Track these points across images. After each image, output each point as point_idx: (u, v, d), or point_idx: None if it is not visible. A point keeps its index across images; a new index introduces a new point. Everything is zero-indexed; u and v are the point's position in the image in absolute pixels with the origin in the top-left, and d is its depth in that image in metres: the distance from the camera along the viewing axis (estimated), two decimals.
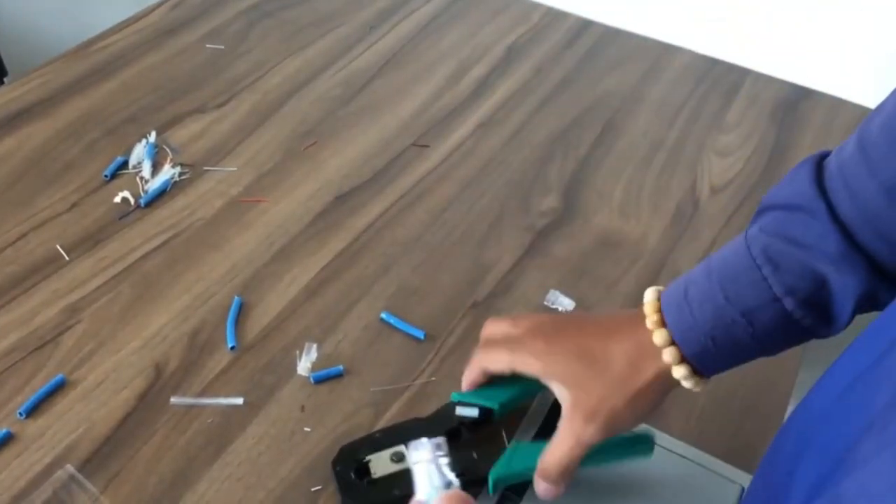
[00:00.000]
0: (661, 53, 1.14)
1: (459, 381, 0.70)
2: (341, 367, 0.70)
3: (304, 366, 0.70)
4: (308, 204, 0.85)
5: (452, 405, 0.61)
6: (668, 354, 0.53)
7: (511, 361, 0.57)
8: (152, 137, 0.91)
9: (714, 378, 0.72)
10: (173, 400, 0.66)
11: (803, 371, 0.76)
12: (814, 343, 0.82)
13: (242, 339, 0.72)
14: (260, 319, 0.73)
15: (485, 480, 0.58)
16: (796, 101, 1.07)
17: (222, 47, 1.06)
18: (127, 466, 0.62)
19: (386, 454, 0.60)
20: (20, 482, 0.60)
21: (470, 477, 0.57)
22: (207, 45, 1.06)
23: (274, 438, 0.65)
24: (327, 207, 0.85)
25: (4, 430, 0.63)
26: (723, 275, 0.52)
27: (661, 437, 0.67)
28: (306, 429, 0.66)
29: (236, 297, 0.74)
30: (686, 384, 0.54)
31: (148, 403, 0.66)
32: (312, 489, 0.62)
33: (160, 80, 1.00)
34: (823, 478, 0.32)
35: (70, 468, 0.60)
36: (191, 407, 0.66)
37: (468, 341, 0.73)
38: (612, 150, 0.97)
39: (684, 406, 0.70)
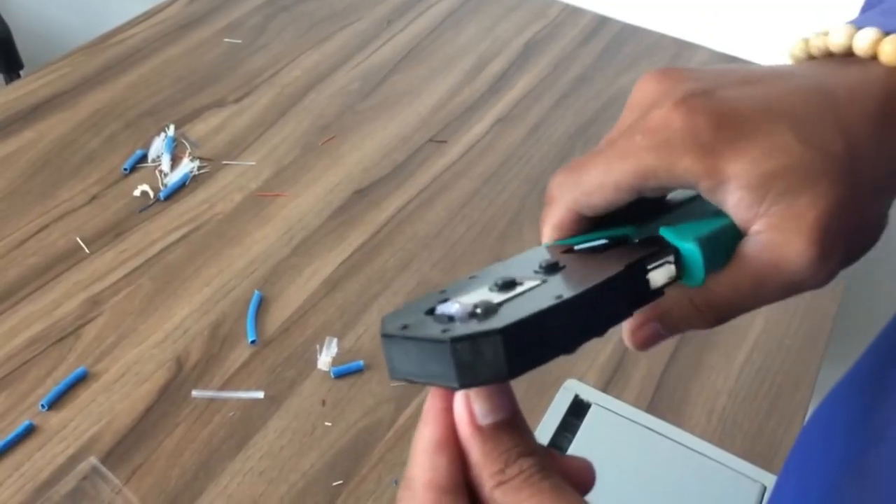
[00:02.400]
0: (678, 51, 1.14)
1: None
2: (361, 363, 0.70)
3: (324, 360, 0.70)
4: (327, 198, 0.85)
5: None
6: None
7: (656, 164, 0.30)
8: (171, 131, 0.91)
9: (736, 376, 0.72)
10: (195, 393, 0.66)
11: (825, 370, 0.75)
12: (836, 342, 0.82)
13: (263, 332, 0.72)
14: (280, 313, 0.73)
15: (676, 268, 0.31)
16: None
17: (240, 41, 1.06)
18: (149, 459, 0.62)
19: (481, 290, 0.29)
20: (43, 473, 0.60)
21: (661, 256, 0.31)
22: (225, 39, 1.06)
23: (295, 432, 0.65)
24: (346, 202, 0.85)
25: (27, 422, 0.63)
26: None
27: (682, 436, 0.67)
28: (327, 423, 0.66)
29: (256, 291, 0.74)
30: None
31: (169, 396, 0.66)
32: (334, 483, 0.62)
33: (179, 73, 1.00)
34: (852, 453, 0.32)
35: (93, 460, 0.60)
36: (212, 400, 0.66)
37: None
38: None
39: (706, 405, 0.70)
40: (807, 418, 0.70)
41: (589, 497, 0.52)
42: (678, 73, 0.31)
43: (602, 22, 1.18)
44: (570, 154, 0.94)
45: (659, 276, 0.30)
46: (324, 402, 0.67)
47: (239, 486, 0.61)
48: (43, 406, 0.64)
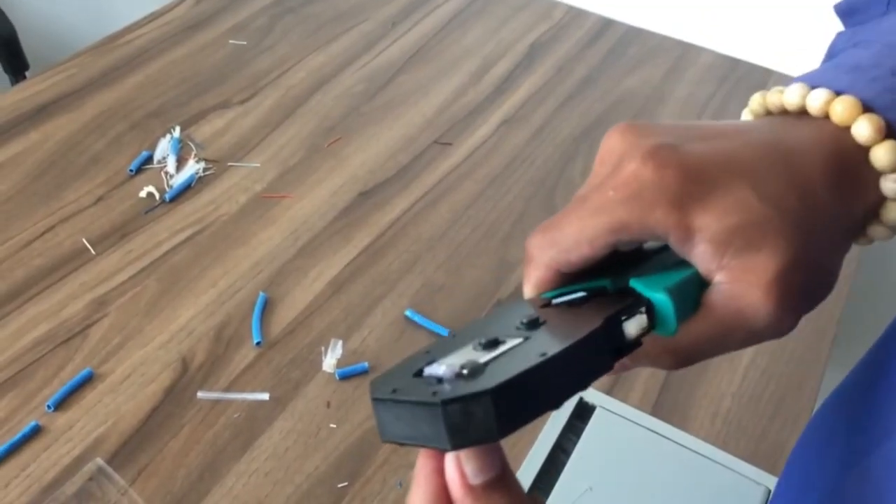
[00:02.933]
0: (682, 53, 1.14)
1: None
2: (366, 364, 0.70)
3: (329, 362, 0.70)
4: (332, 200, 0.86)
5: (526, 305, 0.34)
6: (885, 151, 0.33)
7: (628, 217, 0.31)
8: (177, 132, 0.91)
9: (741, 379, 0.72)
10: (200, 394, 0.67)
11: (829, 373, 0.75)
12: (840, 345, 0.82)
13: (268, 334, 0.72)
14: (285, 315, 0.74)
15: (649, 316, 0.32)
16: None
17: (245, 43, 1.07)
18: (155, 459, 0.62)
19: (466, 350, 0.29)
20: (49, 474, 0.61)
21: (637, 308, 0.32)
22: (231, 41, 1.07)
23: (300, 434, 0.65)
24: (351, 204, 0.85)
25: (33, 423, 0.63)
26: None
27: (686, 439, 0.67)
28: (332, 425, 0.66)
29: (261, 293, 0.75)
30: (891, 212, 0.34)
31: (175, 397, 0.67)
32: (339, 485, 0.62)
33: (184, 75, 1.00)
34: (855, 454, 0.33)
35: (99, 461, 0.61)
36: (217, 401, 0.66)
37: None
38: None
39: (710, 408, 0.70)
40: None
41: (594, 499, 0.53)
42: (643, 128, 0.32)
43: (607, 24, 1.18)
44: (574, 155, 0.94)
45: (633, 327, 0.31)
46: (329, 404, 0.67)
47: (244, 488, 0.61)
48: (49, 407, 0.65)
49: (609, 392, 0.70)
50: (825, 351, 0.75)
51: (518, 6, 1.19)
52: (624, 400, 0.69)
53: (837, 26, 0.43)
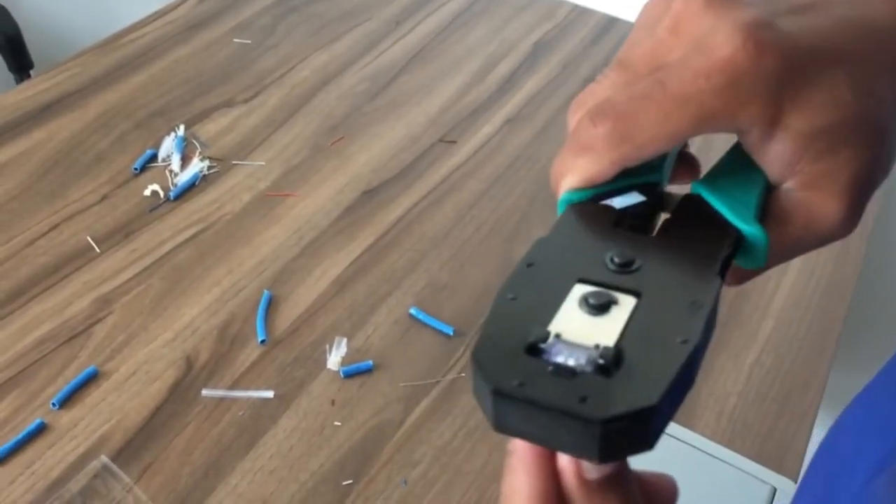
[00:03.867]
0: None
1: None
2: (371, 362, 0.70)
3: (333, 360, 0.70)
4: (336, 198, 0.85)
5: (582, 204, 0.30)
6: None
7: (720, 110, 0.27)
8: (181, 131, 0.91)
9: (746, 378, 0.72)
10: (205, 392, 0.67)
11: (835, 372, 0.75)
12: (846, 344, 0.82)
13: (272, 332, 0.72)
14: (289, 313, 0.74)
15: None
16: None
17: (249, 42, 1.07)
18: (160, 457, 0.62)
19: (571, 307, 0.26)
20: (54, 472, 0.61)
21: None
22: (235, 40, 1.07)
23: (305, 432, 0.65)
24: (355, 202, 0.85)
25: (38, 421, 0.63)
26: None
27: (692, 437, 0.66)
28: (336, 423, 0.66)
29: (266, 291, 0.75)
30: None
31: (179, 395, 0.66)
32: (343, 483, 0.62)
33: (188, 73, 1.00)
34: (885, 456, 0.32)
35: (104, 458, 0.61)
36: (222, 399, 0.66)
37: None
38: None
39: (715, 406, 0.70)
40: (817, 418, 0.69)
41: None
42: None
43: (611, 22, 1.18)
44: None
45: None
46: (333, 402, 0.67)
47: (249, 485, 0.61)
48: (54, 405, 0.65)
49: None
50: (830, 350, 0.75)
51: (521, 5, 1.19)
52: None
53: None
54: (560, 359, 0.23)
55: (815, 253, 0.82)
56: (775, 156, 0.27)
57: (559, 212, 0.30)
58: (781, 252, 0.29)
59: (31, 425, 0.63)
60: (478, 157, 0.93)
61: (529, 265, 0.27)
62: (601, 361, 0.23)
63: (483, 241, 0.82)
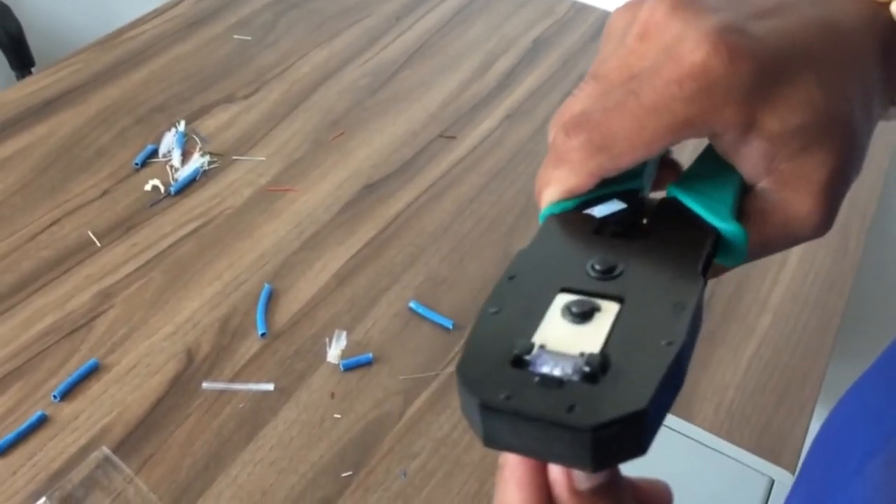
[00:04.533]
0: None
1: None
2: (370, 355, 0.70)
3: (333, 353, 0.70)
4: (336, 193, 0.86)
5: (562, 215, 0.30)
6: None
7: (694, 117, 0.27)
8: (181, 126, 0.91)
9: (744, 370, 0.72)
10: (205, 385, 0.67)
11: (833, 366, 0.75)
12: (844, 337, 0.82)
13: (272, 325, 0.72)
14: (290, 307, 0.74)
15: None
16: None
17: (250, 38, 1.07)
18: (161, 449, 0.62)
19: (554, 317, 0.26)
20: (55, 463, 0.61)
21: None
22: (235, 36, 1.07)
23: (304, 424, 0.65)
24: (356, 197, 0.86)
25: (40, 413, 0.64)
26: None
27: (690, 430, 0.67)
28: (336, 415, 0.66)
29: (266, 285, 0.75)
30: None
31: (180, 388, 0.67)
32: (343, 475, 0.62)
33: (189, 69, 1.01)
34: (879, 441, 0.33)
35: (105, 450, 0.61)
36: (222, 392, 0.67)
37: None
38: None
39: (714, 399, 0.70)
40: (815, 411, 0.70)
41: None
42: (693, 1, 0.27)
43: None
44: None
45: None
46: (333, 395, 0.67)
47: (249, 477, 0.61)
48: (55, 397, 0.65)
49: None
50: (829, 343, 0.75)
51: (521, 1, 1.19)
52: None
53: None
54: (546, 369, 0.23)
55: (813, 247, 0.83)
56: (750, 157, 0.27)
57: (540, 223, 0.30)
58: (757, 250, 0.29)
59: (32, 417, 0.63)
60: (477, 152, 0.93)
61: (511, 278, 0.27)
62: (587, 369, 0.23)
63: (482, 236, 0.83)
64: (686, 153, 0.32)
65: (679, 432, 0.66)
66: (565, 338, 0.24)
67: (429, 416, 0.67)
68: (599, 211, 0.29)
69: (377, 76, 1.03)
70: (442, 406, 0.67)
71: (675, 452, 0.65)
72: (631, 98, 0.26)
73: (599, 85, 0.29)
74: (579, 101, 0.29)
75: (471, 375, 0.24)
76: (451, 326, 0.73)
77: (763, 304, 0.78)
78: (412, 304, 0.74)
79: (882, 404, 0.37)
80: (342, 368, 0.69)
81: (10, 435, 0.62)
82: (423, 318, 0.74)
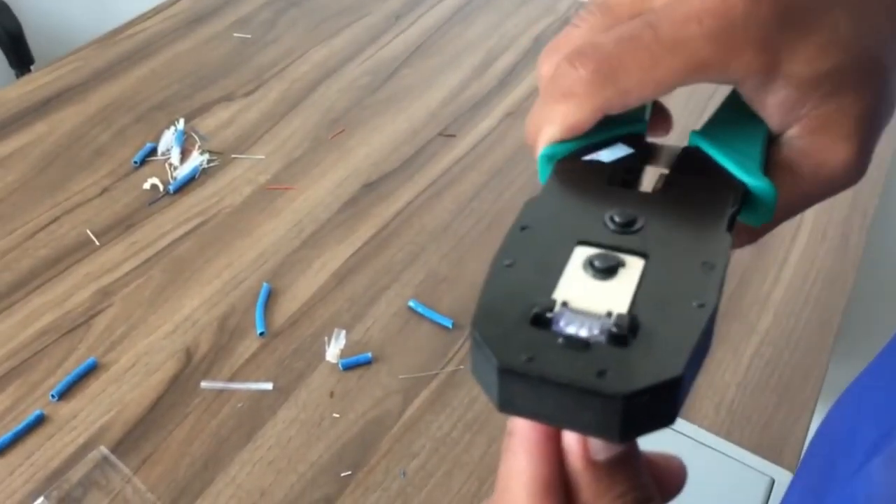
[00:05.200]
0: None
1: None
2: (370, 354, 0.70)
3: (332, 352, 0.70)
4: (336, 192, 0.86)
5: (567, 159, 0.29)
6: None
7: (711, 57, 0.25)
8: (181, 125, 0.91)
9: (745, 369, 0.72)
10: (204, 384, 0.67)
11: (834, 364, 0.75)
12: (845, 336, 0.82)
13: (271, 324, 0.72)
14: (289, 305, 0.74)
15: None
16: None
17: (249, 36, 1.07)
18: (159, 448, 0.62)
19: (574, 272, 0.24)
20: (54, 462, 0.61)
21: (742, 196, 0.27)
22: (235, 34, 1.07)
23: (303, 423, 0.65)
24: (355, 195, 0.85)
25: (38, 412, 0.63)
26: None
27: (690, 429, 0.67)
28: (335, 414, 0.66)
29: (265, 284, 0.75)
30: None
31: (179, 387, 0.67)
32: (342, 474, 0.62)
33: (188, 67, 1.01)
34: (881, 438, 0.32)
35: (103, 449, 0.61)
36: (221, 391, 0.67)
37: None
38: None
39: (714, 398, 0.70)
40: (816, 410, 0.70)
41: None
42: None
43: None
44: None
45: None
46: (332, 394, 0.67)
47: (248, 476, 0.61)
48: (53, 396, 0.65)
49: None
50: (829, 342, 0.75)
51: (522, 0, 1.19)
52: None
53: None
54: (571, 329, 0.21)
55: (814, 245, 0.82)
56: (776, 104, 0.26)
57: (540, 169, 0.28)
58: (791, 205, 0.27)
59: (30, 416, 0.63)
60: (478, 150, 0.93)
61: (523, 228, 0.25)
62: (615, 330, 0.21)
63: (482, 234, 0.83)
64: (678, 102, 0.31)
65: (679, 431, 0.66)
66: (589, 295, 0.22)
67: (428, 415, 0.66)
68: (606, 156, 0.27)
69: (377, 74, 1.02)
70: (441, 405, 0.67)
71: (674, 451, 0.65)
72: (647, 31, 0.25)
73: (607, 17, 0.27)
74: (582, 32, 0.27)
75: (488, 335, 0.21)
76: (450, 325, 0.73)
77: (764, 302, 0.78)
78: (412, 303, 0.74)
79: (883, 402, 0.37)
80: (341, 368, 0.69)
81: (7, 434, 0.62)
82: (422, 317, 0.74)
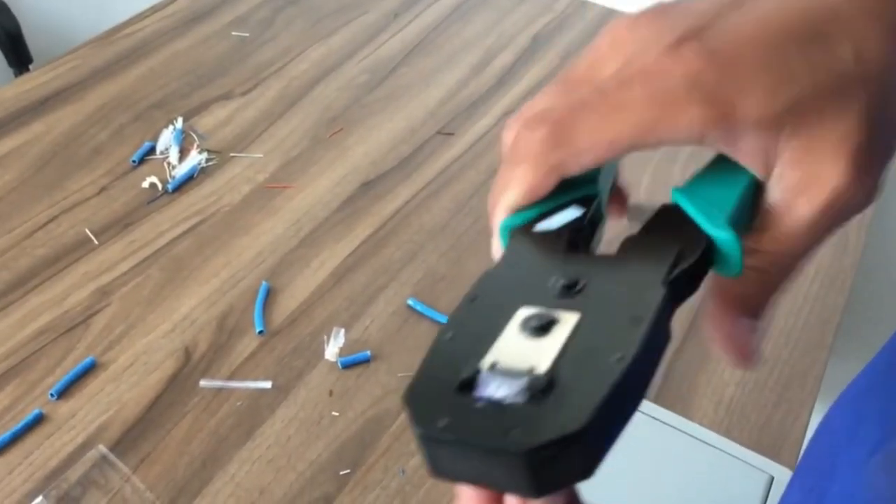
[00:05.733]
0: None
1: None
2: (368, 353, 0.70)
3: (331, 351, 0.70)
4: (335, 190, 0.85)
5: (522, 229, 0.30)
6: None
7: (656, 118, 0.26)
8: (179, 123, 0.91)
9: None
10: (203, 383, 0.67)
11: (833, 362, 0.75)
12: (845, 334, 0.82)
13: (270, 323, 0.72)
14: (287, 304, 0.74)
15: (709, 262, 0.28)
16: None
17: (248, 34, 1.07)
18: (158, 447, 0.62)
19: (511, 333, 0.25)
20: (52, 461, 0.61)
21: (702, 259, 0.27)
22: (233, 33, 1.07)
23: (302, 422, 0.65)
24: (354, 194, 0.85)
25: (36, 411, 0.63)
26: None
27: (690, 427, 0.67)
28: (334, 413, 0.66)
29: (264, 282, 0.75)
30: None
31: (178, 386, 0.67)
32: (341, 473, 0.62)
33: (187, 66, 1.00)
34: (881, 439, 0.32)
35: (102, 448, 0.61)
36: (220, 390, 0.67)
37: None
38: None
39: (713, 396, 0.70)
40: (815, 408, 0.70)
41: (596, 487, 0.51)
42: (663, 13, 0.28)
43: (610, 14, 1.17)
44: None
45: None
46: (331, 392, 0.67)
47: (247, 475, 0.61)
48: (52, 395, 0.65)
49: None
50: (829, 340, 0.75)
51: None
52: None
53: None
54: (489, 392, 0.22)
55: None
56: (749, 150, 0.26)
57: (501, 241, 0.30)
58: (801, 237, 0.27)
59: (29, 416, 0.63)
60: (476, 148, 0.93)
61: (472, 300, 0.26)
62: (528, 389, 0.22)
63: (481, 233, 0.82)
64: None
65: (678, 429, 0.66)
66: (519, 353, 0.23)
67: None
68: (557, 221, 0.28)
69: (375, 73, 1.02)
70: None
71: (674, 450, 0.65)
72: (595, 95, 0.27)
73: (564, 86, 0.29)
74: (541, 101, 0.29)
75: (416, 404, 0.23)
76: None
77: None
78: (410, 302, 0.74)
79: (882, 402, 0.37)
80: (340, 366, 0.69)
81: (6, 434, 0.62)
82: (421, 315, 0.74)
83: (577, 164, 0.27)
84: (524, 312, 0.25)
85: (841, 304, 0.79)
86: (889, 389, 0.37)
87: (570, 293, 0.25)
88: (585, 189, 0.29)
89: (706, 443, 0.65)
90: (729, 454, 0.65)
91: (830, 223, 0.27)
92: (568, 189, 0.28)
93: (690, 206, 0.27)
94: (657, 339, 0.24)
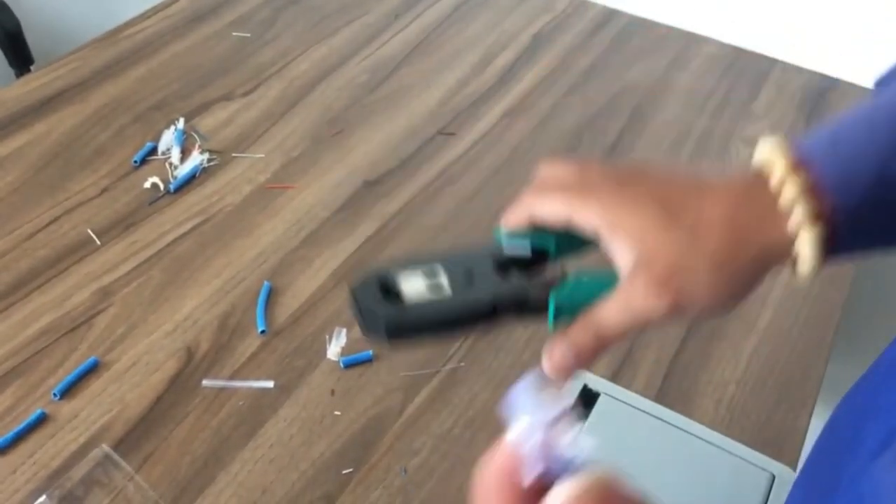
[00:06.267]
0: (686, 43, 1.14)
1: (488, 370, 0.70)
2: (370, 352, 0.70)
3: (333, 350, 0.70)
4: (336, 190, 0.86)
5: (497, 242, 0.46)
6: (800, 213, 0.38)
7: (567, 208, 0.41)
8: (180, 124, 0.91)
9: (745, 366, 0.72)
10: (205, 382, 0.67)
11: (833, 362, 0.75)
12: (845, 332, 0.82)
13: (272, 323, 0.72)
14: (289, 304, 0.74)
15: (540, 309, 0.43)
16: (824, 90, 1.06)
17: (249, 35, 1.07)
18: (160, 447, 0.62)
19: (418, 273, 0.43)
20: (55, 461, 0.61)
21: (524, 302, 0.43)
22: (234, 33, 1.07)
23: (305, 421, 0.65)
24: (355, 194, 0.85)
25: (39, 411, 0.64)
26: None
27: (691, 425, 0.67)
28: (336, 412, 0.66)
29: (266, 282, 0.75)
30: (802, 267, 0.41)
31: (180, 385, 0.67)
32: (343, 472, 0.62)
33: (188, 67, 1.01)
34: (887, 438, 0.32)
35: (105, 447, 0.61)
36: (222, 389, 0.67)
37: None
38: (641, 138, 0.97)
39: (714, 394, 0.70)
40: (815, 406, 0.70)
41: None
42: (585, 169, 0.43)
43: (610, 14, 1.17)
44: (578, 146, 0.94)
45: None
46: (333, 392, 0.67)
47: (249, 474, 0.61)
48: (55, 395, 0.65)
49: (613, 379, 0.70)
50: (829, 339, 0.75)
51: None
52: (628, 387, 0.69)
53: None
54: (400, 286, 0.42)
55: None
56: (612, 251, 0.42)
57: (494, 235, 0.46)
58: (623, 331, 0.40)
59: (32, 415, 0.63)
60: (477, 148, 0.93)
61: (433, 252, 0.44)
62: (386, 293, 0.41)
63: (482, 233, 0.83)
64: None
65: (679, 428, 0.66)
66: (417, 277, 0.42)
67: (429, 412, 0.66)
68: (510, 248, 0.45)
69: (376, 73, 1.02)
70: (442, 403, 0.67)
71: (675, 448, 0.65)
72: (560, 188, 0.43)
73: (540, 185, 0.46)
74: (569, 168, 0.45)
75: (358, 290, 0.42)
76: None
77: (763, 299, 0.78)
78: None
79: (889, 401, 0.37)
80: (342, 366, 0.69)
81: (10, 433, 0.62)
82: None
83: (542, 217, 0.43)
84: (437, 268, 0.43)
85: (841, 303, 0.79)
86: (894, 390, 0.37)
87: (464, 279, 0.42)
88: (544, 240, 0.44)
89: (708, 441, 0.65)
90: (730, 453, 0.65)
91: (642, 327, 0.41)
92: (541, 236, 0.44)
93: (579, 276, 0.43)
94: (477, 306, 0.42)
